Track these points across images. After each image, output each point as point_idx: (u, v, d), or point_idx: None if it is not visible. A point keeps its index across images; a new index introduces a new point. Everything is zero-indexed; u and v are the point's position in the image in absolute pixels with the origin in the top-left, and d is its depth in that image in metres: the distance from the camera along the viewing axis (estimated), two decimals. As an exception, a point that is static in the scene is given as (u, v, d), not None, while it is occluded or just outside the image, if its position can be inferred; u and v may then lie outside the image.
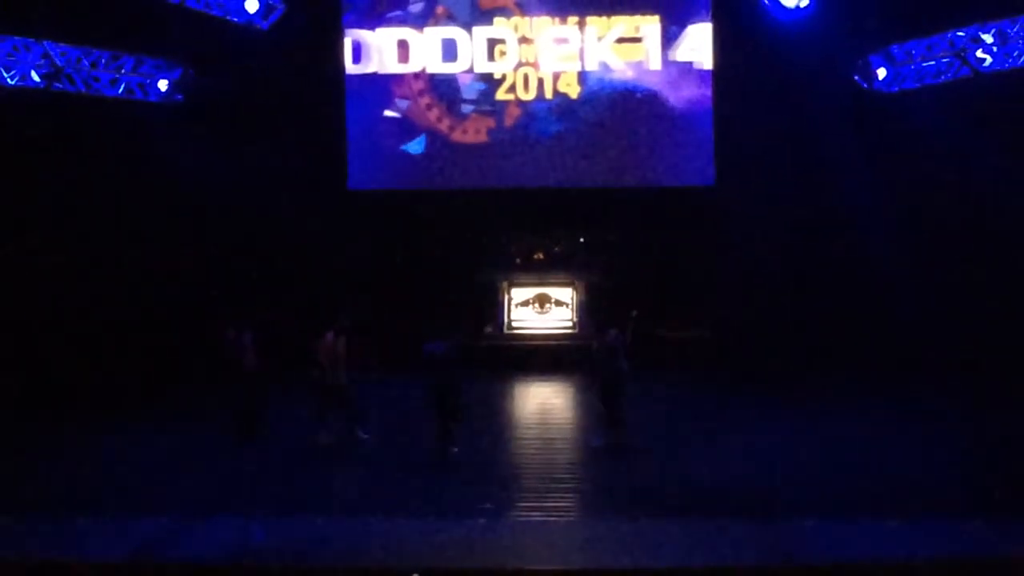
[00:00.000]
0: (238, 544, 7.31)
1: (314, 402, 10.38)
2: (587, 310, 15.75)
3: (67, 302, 14.00)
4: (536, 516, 7.88)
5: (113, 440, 10.77)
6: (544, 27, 15.92)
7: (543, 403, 13.37)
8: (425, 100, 16.14)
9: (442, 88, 16.12)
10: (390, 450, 10.09)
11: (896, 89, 15.13)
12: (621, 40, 15.93)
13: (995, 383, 12.58)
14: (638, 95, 16.04)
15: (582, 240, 16.52)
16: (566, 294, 15.98)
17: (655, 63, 15.95)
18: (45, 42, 13.28)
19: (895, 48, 14.93)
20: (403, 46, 16.00)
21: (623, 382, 10.05)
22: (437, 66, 16.05)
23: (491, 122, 16.15)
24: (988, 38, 13.95)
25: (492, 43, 15.95)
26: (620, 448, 9.92)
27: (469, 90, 16.10)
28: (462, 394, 9.79)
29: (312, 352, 10.24)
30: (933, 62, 14.67)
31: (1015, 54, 13.76)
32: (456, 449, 9.62)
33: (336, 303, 12.49)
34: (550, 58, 15.98)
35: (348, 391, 10.26)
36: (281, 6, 15.12)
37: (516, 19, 15.92)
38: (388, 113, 16.19)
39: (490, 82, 16.08)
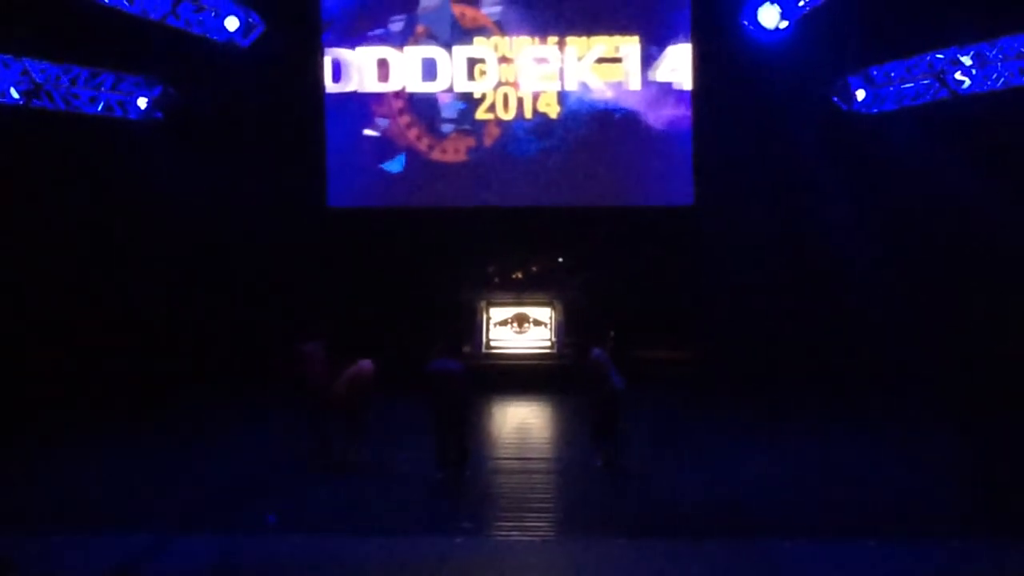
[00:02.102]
0: (218, 561, 7.24)
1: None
2: (566, 330, 15.69)
3: (45, 317, 14.05)
4: (514, 535, 7.84)
5: (92, 453, 10.77)
6: (524, 47, 15.94)
7: (521, 423, 13.30)
8: (405, 119, 16.17)
9: (422, 107, 16.13)
10: (366, 468, 10.02)
11: (875, 110, 15.11)
12: (601, 60, 15.94)
13: (978, 401, 12.53)
14: (617, 115, 16.04)
15: (561, 260, 16.48)
16: (545, 314, 15.90)
17: (635, 83, 15.95)
18: (24, 59, 13.30)
19: (874, 70, 14.92)
20: (383, 65, 16.03)
21: (618, 400, 9.94)
22: (417, 85, 16.06)
23: (471, 141, 16.14)
24: (967, 60, 13.92)
25: (472, 63, 15.97)
26: (614, 467, 9.93)
27: (449, 109, 16.11)
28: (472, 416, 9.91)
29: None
30: (912, 84, 14.65)
31: (994, 76, 13.72)
32: (468, 472, 9.56)
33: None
34: (530, 78, 15.99)
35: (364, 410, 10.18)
36: (261, 25, 15.15)
37: (496, 39, 15.96)
38: (367, 132, 16.19)
39: (470, 101, 16.08)
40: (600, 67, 15.97)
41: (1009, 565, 6.94)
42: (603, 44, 15.92)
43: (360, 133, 16.20)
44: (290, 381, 10.44)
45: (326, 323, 11.11)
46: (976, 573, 6.87)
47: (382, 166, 16.24)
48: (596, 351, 10.06)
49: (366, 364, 10.06)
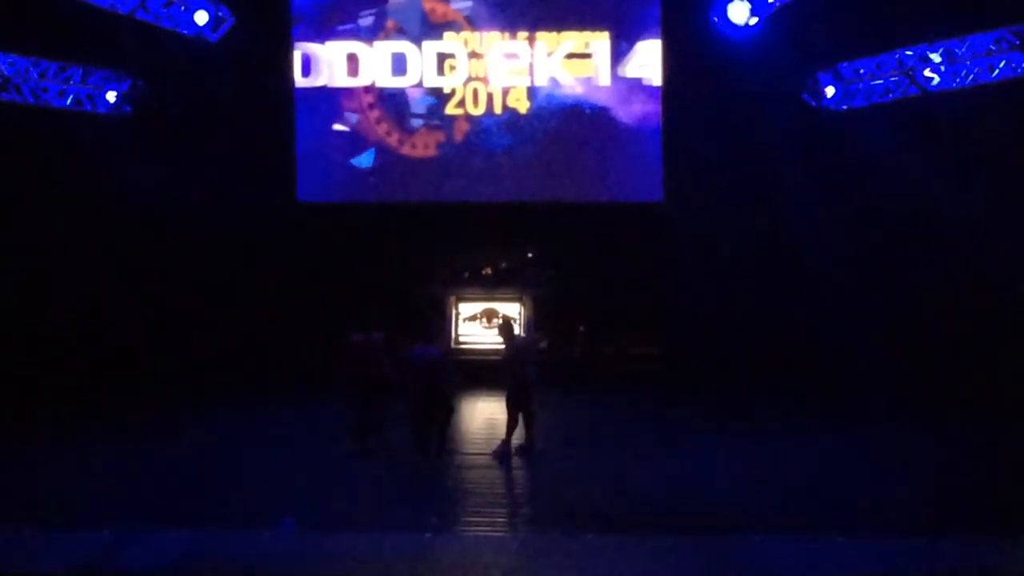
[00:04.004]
0: (189, 556, 7.23)
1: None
2: (535, 325, 15.72)
3: (14, 313, 14.00)
4: (482, 531, 7.81)
5: (57, 451, 10.78)
6: (494, 42, 15.92)
7: (490, 418, 13.26)
8: (374, 114, 16.15)
9: (391, 102, 16.12)
10: (331, 463, 10.04)
11: (844, 107, 15.12)
12: (571, 56, 15.92)
13: (944, 402, 12.53)
14: (587, 111, 16.02)
15: (530, 255, 16.50)
16: (514, 309, 15.93)
17: (604, 79, 15.93)
18: (-7, 52, 13.39)
19: (844, 66, 14.92)
20: (353, 60, 16.01)
21: (531, 390, 10.12)
22: (387, 80, 16.05)
23: (440, 136, 16.13)
24: (936, 57, 13.94)
25: (442, 58, 15.96)
26: (506, 456, 10.04)
27: (419, 104, 16.10)
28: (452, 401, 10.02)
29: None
30: (881, 81, 14.70)
31: (963, 73, 13.74)
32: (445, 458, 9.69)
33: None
34: (500, 73, 15.98)
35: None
36: (231, 19, 15.10)
37: (466, 34, 15.94)
38: (337, 127, 16.18)
39: (440, 96, 16.07)
40: (570, 63, 15.95)
41: (977, 562, 6.92)
42: (573, 40, 15.90)
43: (330, 128, 16.19)
44: (347, 374, 10.37)
45: (382, 314, 10.83)
46: (945, 569, 6.84)
47: (352, 161, 16.23)
48: (522, 337, 10.13)
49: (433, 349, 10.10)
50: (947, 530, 7.47)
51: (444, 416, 9.89)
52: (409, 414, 9.93)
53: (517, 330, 11.09)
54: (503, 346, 10.61)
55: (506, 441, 10.21)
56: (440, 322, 15.37)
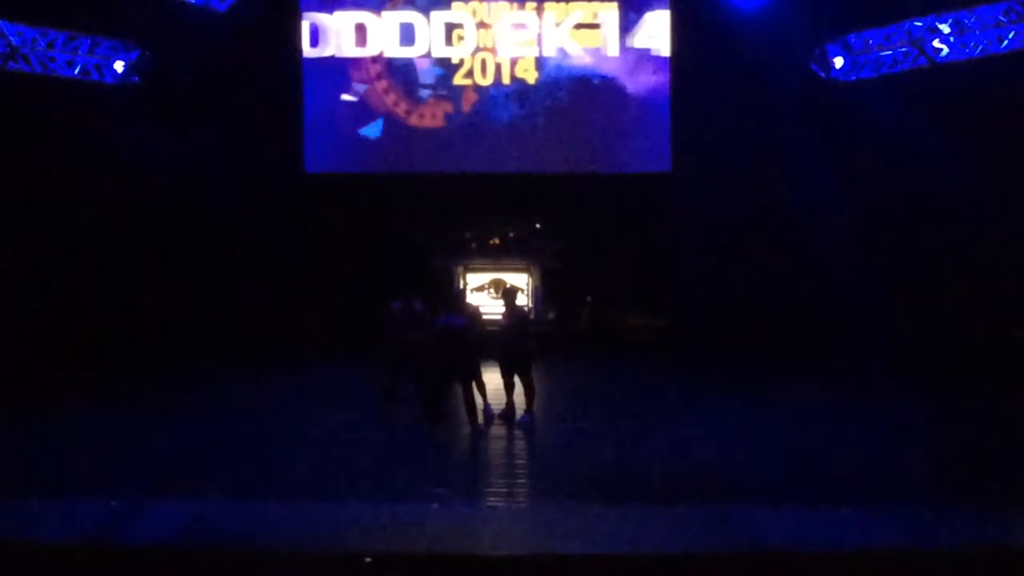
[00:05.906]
0: (194, 525, 7.28)
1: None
2: (543, 295, 15.83)
3: (18, 283, 14.05)
4: (490, 501, 7.83)
5: (60, 422, 10.83)
6: (502, 12, 15.89)
7: (497, 388, 13.34)
8: (382, 84, 16.13)
9: (400, 72, 16.11)
10: (341, 433, 10.06)
11: (853, 78, 15.13)
12: (579, 26, 15.89)
13: (951, 374, 12.59)
14: (596, 81, 16.01)
15: (538, 226, 16.54)
16: (521, 280, 16.02)
17: (613, 49, 15.91)
18: (1, 22, 13.32)
19: (852, 37, 14.91)
20: (360, 30, 15.98)
21: (530, 360, 10.26)
22: (395, 50, 16.02)
23: (448, 107, 16.12)
24: (945, 28, 13.95)
25: (450, 28, 15.93)
26: (510, 421, 10.17)
27: (427, 75, 16.08)
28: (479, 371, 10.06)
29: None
30: (890, 52, 14.70)
31: (971, 44, 13.74)
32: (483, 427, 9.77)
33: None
34: (508, 43, 15.95)
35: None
36: (238, -12, 15.10)
37: (474, 4, 15.89)
38: (345, 97, 16.16)
39: (448, 67, 16.05)
40: (578, 33, 15.92)
41: (981, 534, 6.95)
42: (581, 10, 15.87)
43: (337, 98, 16.17)
44: (386, 342, 10.42)
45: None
46: (949, 541, 6.87)
47: (360, 131, 16.22)
48: (520, 308, 10.25)
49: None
50: (958, 502, 7.51)
51: (479, 382, 10.07)
52: (423, 383, 10.00)
53: (521, 300, 11.05)
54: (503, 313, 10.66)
55: (509, 403, 10.34)
56: (462, 292, 15.46)
